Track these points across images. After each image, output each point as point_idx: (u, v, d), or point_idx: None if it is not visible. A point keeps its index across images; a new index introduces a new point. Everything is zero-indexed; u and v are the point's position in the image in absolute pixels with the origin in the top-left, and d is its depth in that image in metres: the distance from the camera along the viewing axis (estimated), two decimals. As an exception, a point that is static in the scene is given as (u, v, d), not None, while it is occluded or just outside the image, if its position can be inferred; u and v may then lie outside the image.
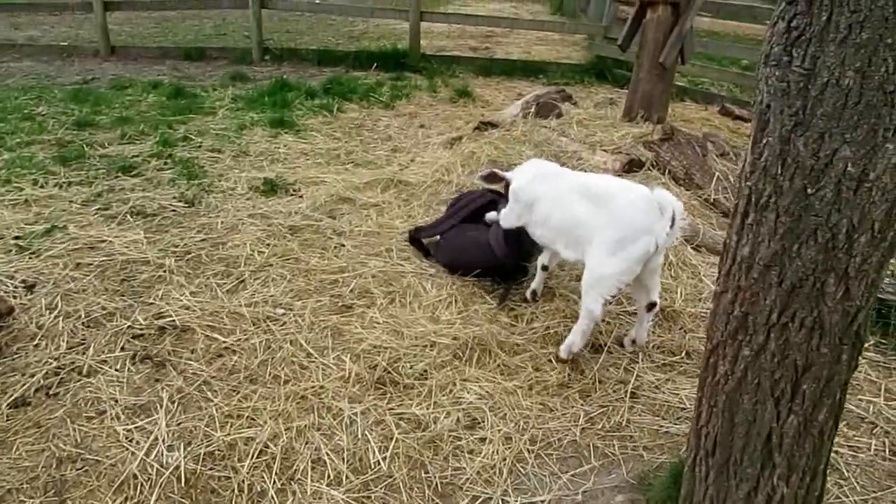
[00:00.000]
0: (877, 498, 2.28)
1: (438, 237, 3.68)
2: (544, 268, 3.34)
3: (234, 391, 2.60)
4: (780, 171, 1.38)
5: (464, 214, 3.65)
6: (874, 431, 2.60)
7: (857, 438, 2.54)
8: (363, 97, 6.99)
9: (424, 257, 3.70)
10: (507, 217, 3.29)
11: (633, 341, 3.02)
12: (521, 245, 3.39)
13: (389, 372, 2.75)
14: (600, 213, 2.80)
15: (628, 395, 2.74)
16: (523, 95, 6.67)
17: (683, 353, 3.01)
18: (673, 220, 2.65)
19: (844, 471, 2.38)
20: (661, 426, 2.60)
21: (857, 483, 2.33)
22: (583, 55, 9.65)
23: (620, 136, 4.93)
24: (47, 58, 8.97)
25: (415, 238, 3.77)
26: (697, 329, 3.17)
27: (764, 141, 1.41)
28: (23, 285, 3.20)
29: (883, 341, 3.11)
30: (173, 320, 2.98)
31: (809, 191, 1.35)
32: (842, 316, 1.43)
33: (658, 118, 5.27)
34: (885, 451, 2.49)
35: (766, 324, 1.52)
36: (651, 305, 2.91)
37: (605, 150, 4.75)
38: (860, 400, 2.74)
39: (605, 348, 3.00)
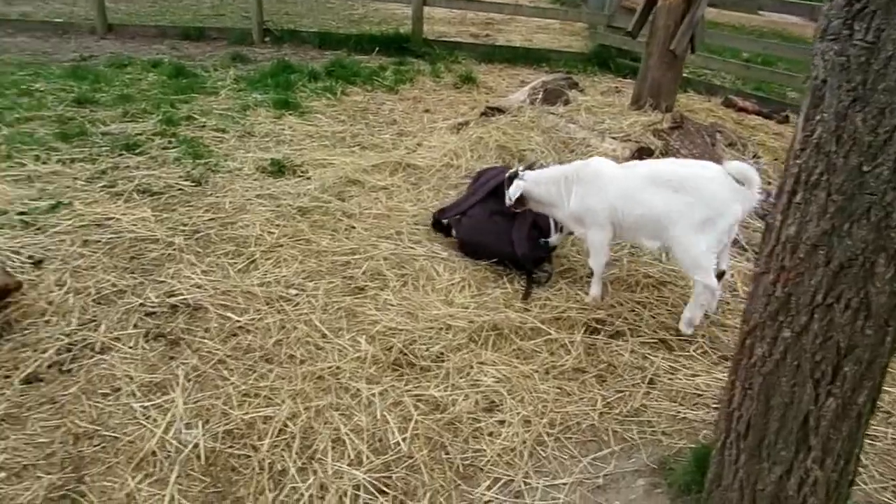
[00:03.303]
0: (896, 485, 2.29)
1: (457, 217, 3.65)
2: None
3: (251, 370, 2.57)
4: (834, 148, 1.36)
5: (486, 190, 3.62)
6: (890, 420, 2.61)
7: (874, 427, 2.55)
8: (366, 80, 6.92)
9: (447, 237, 3.68)
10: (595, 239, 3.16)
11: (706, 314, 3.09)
12: (540, 247, 3.45)
13: (405, 354, 2.73)
14: (681, 198, 2.85)
15: (646, 381, 2.73)
16: (527, 82, 6.63)
17: (700, 340, 3.01)
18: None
19: (863, 459, 2.38)
20: (679, 412, 2.60)
21: (876, 471, 2.34)
22: (584, 44, 9.61)
23: (629, 124, 4.91)
24: (42, 34, 8.79)
25: (438, 221, 3.74)
26: (712, 317, 3.17)
27: (818, 117, 1.39)
28: (30, 261, 3.14)
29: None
30: (185, 298, 2.94)
31: (865, 168, 1.33)
32: (889, 297, 1.42)
33: (667, 106, 5.25)
34: (901, 438, 2.50)
35: (810, 304, 1.51)
36: (720, 274, 2.99)
37: (614, 138, 4.73)
38: (875, 388, 2.75)
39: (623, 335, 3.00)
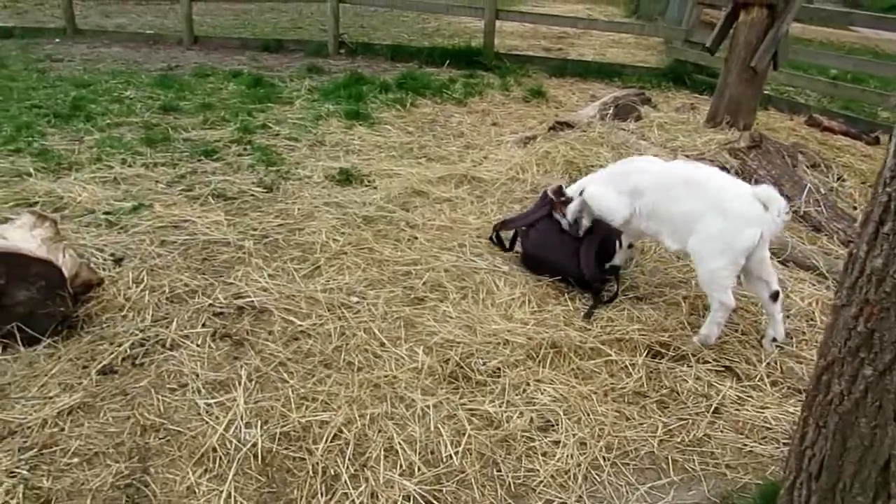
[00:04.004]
0: None
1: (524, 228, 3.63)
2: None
3: (310, 374, 2.62)
4: (930, 176, 1.26)
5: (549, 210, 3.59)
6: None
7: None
8: (436, 93, 7.00)
9: (504, 251, 3.67)
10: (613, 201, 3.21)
11: (774, 339, 2.99)
12: (606, 267, 3.43)
13: (462, 367, 2.72)
14: (703, 205, 2.88)
15: (710, 410, 2.61)
16: (597, 97, 6.53)
17: (769, 371, 2.86)
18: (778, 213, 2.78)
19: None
20: (745, 445, 2.47)
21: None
22: (659, 59, 9.40)
23: (704, 142, 4.76)
24: (134, 45, 9.38)
25: (497, 234, 3.73)
26: (784, 346, 3.01)
27: (912, 142, 1.29)
28: (112, 258, 3.32)
29: None
30: (252, 301, 3.03)
31: (964, 199, 1.23)
32: None
33: (745, 125, 5.05)
34: None
35: (897, 342, 1.40)
36: (775, 295, 2.93)
37: (686, 156, 4.59)
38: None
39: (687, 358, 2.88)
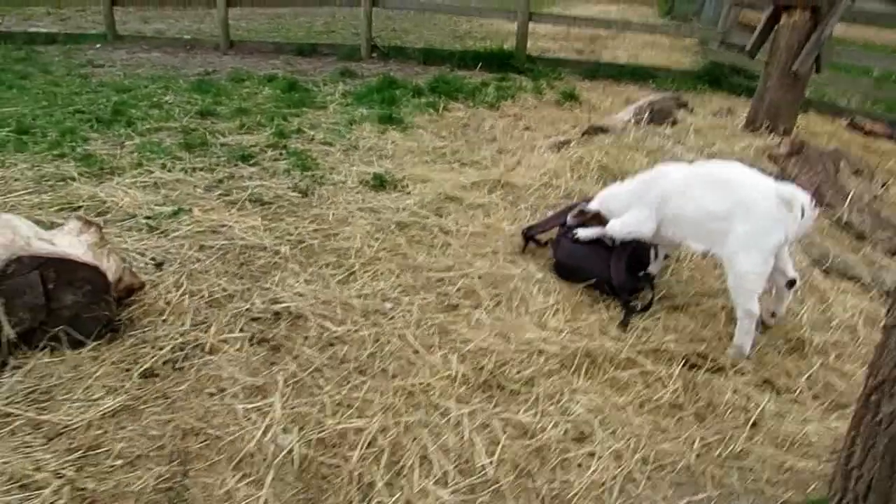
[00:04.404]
0: None
1: (556, 233, 3.64)
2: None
3: (345, 381, 2.64)
4: None
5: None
6: None
7: None
8: (468, 96, 7.01)
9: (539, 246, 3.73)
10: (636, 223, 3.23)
11: (773, 314, 3.03)
12: (638, 276, 3.40)
13: (496, 375, 2.72)
14: (728, 205, 2.87)
15: (749, 424, 2.56)
16: (632, 101, 6.46)
17: (810, 384, 2.80)
18: (803, 211, 2.76)
19: None
20: (786, 460, 2.42)
21: None
22: (694, 61, 9.28)
23: (742, 148, 4.67)
24: (172, 50, 9.58)
25: (529, 237, 3.74)
26: (826, 359, 2.94)
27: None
28: (153, 262, 3.39)
29: None
30: (288, 306, 3.07)
31: None
32: None
33: (785, 130, 4.95)
34: None
35: (952, 364, 1.36)
36: (791, 283, 2.95)
37: (718, 161, 4.50)
38: None
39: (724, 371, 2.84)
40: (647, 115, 5.36)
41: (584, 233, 3.44)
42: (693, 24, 10.22)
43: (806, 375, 2.82)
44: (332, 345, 2.86)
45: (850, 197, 4.03)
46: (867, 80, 7.57)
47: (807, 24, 4.67)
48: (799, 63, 4.71)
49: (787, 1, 4.76)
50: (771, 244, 2.79)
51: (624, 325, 3.12)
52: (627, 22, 10.14)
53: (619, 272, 3.30)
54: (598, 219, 3.43)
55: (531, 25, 8.94)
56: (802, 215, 2.76)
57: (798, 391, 2.75)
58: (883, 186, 4.43)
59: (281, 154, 5.05)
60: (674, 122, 5.29)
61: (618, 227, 3.29)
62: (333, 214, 4.05)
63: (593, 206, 3.47)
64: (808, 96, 7.23)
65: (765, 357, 2.94)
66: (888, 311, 1.53)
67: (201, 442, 2.31)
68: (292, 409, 2.47)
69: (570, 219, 3.54)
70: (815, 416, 2.63)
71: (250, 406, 2.47)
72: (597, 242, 3.42)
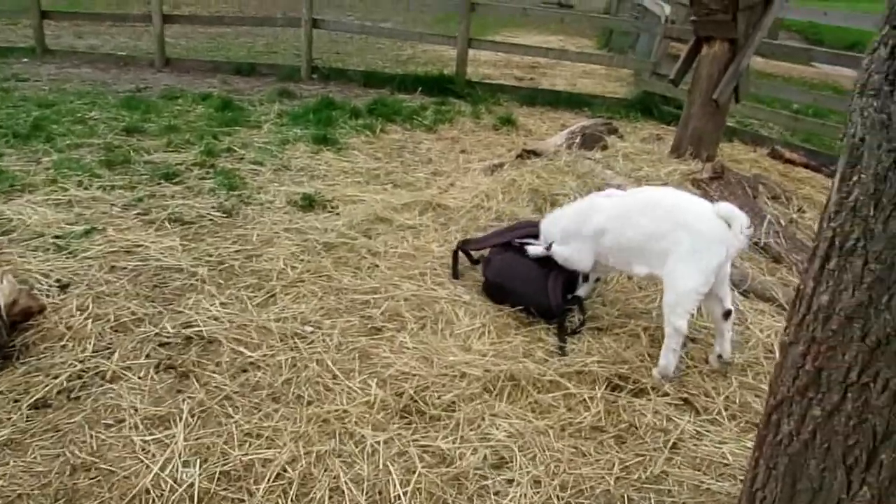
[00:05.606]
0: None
1: (488, 252, 3.63)
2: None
3: (256, 409, 2.51)
4: (872, 213, 1.24)
5: (518, 235, 3.56)
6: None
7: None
8: (406, 119, 6.99)
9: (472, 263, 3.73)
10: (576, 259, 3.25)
11: (720, 356, 2.98)
12: (569, 298, 3.39)
13: (416, 401, 2.64)
14: (668, 227, 2.88)
15: (668, 446, 2.56)
16: (567, 126, 6.57)
17: (728, 404, 2.82)
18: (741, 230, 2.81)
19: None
20: (703, 482, 2.41)
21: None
22: (628, 90, 9.54)
23: (667, 173, 4.79)
24: (104, 65, 9.26)
25: (463, 250, 3.72)
26: (744, 379, 2.98)
27: (854, 178, 1.27)
28: (57, 284, 3.19)
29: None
30: (201, 330, 2.93)
31: (906, 236, 1.21)
32: (932, 380, 1.28)
33: (708, 156, 5.11)
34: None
35: (843, 382, 1.37)
36: (727, 313, 2.93)
37: (650, 186, 4.60)
38: None
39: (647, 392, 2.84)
40: (578, 139, 5.46)
41: (533, 250, 3.42)
42: (627, 55, 10.57)
43: (724, 395, 2.85)
44: (245, 371, 2.73)
45: (767, 221, 4.17)
46: (787, 112, 7.95)
47: (726, 55, 4.88)
48: (719, 92, 4.90)
49: (707, 32, 4.97)
50: (713, 263, 2.81)
51: (561, 350, 3.08)
52: (565, 51, 10.41)
53: (556, 294, 3.28)
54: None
55: (472, 52, 9.05)
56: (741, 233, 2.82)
57: (716, 411, 2.76)
58: (798, 211, 4.62)
59: (208, 173, 4.89)
60: (604, 147, 5.40)
61: (562, 258, 3.31)
62: (258, 235, 3.92)
63: (542, 227, 3.47)
64: (733, 126, 7.55)
65: (685, 377, 2.96)
66: (785, 328, 1.54)
67: (92, 478, 2.14)
68: (196, 440, 2.33)
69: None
70: (732, 436, 2.64)
71: (150, 438, 2.31)
72: (530, 262, 3.40)
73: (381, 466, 2.29)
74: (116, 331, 2.90)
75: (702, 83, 5.06)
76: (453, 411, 2.60)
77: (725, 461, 2.51)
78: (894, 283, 1.25)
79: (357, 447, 2.37)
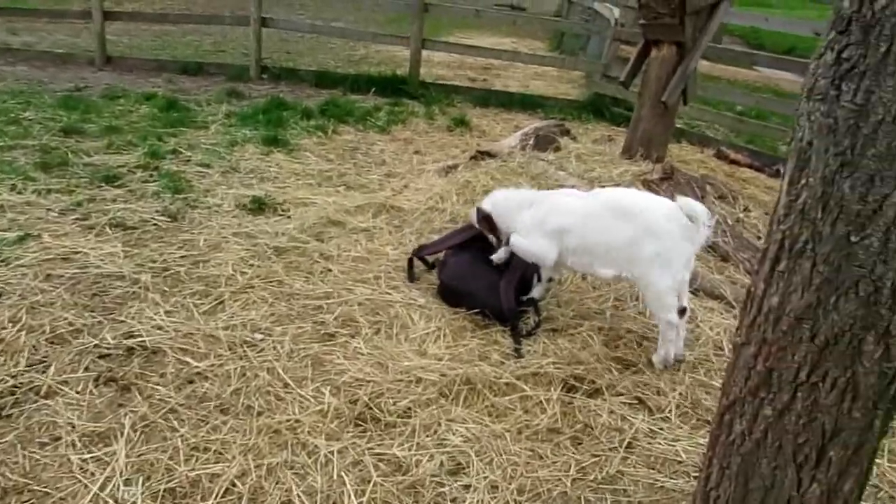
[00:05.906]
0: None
1: (442, 255, 3.61)
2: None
3: (203, 421, 2.41)
4: (820, 216, 1.25)
5: (471, 235, 3.54)
6: (879, 496, 2.46)
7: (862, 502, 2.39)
8: (359, 120, 6.91)
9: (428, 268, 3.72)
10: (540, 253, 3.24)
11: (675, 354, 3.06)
12: (524, 302, 3.40)
13: (371, 408, 2.58)
14: (633, 228, 2.93)
15: (623, 445, 2.58)
16: (521, 128, 6.60)
17: (679, 402, 2.86)
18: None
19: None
20: (657, 480, 2.44)
21: (867, 554, 2.18)
22: (580, 92, 9.67)
23: (619, 174, 4.85)
24: (41, 63, 8.84)
25: (419, 257, 3.68)
26: (695, 376, 3.03)
27: (802, 181, 1.29)
28: (-14, 295, 3.00)
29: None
30: (144, 341, 2.80)
31: (853, 238, 1.22)
32: (878, 378, 1.30)
33: (657, 157, 5.20)
34: (894, 518, 2.34)
35: (793, 382, 1.38)
36: (682, 311, 3.00)
37: (603, 187, 4.65)
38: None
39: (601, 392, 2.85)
40: (532, 141, 5.48)
41: (497, 256, 3.41)
42: (579, 58, 10.71)
43: (677, 392, 2.89)
44: (191, 382, 2.62)
45: (714, 220, 4.26)
46: (731, 114, 8.20)
47: (674, 58, 4.97)
48: (667, 94, 5.00)
49: (656, 36, 5.06)
50: (683, 258, 2.93)
51: (517, 352, 3.07)
52: (517, 53, 10.48)
53: (509, 297, 3.27)
54: (489, 221, 3.41)
55: (426, 53, 9.01)
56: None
57: (668, 409, 2.80)
58: (744, 211, 4.74)
59: (151, 175, 4.71)
60: (557, 149, 5.44)
61: (521, 249, 3.28)
62: (205, 240, 3.79)
63: (486, 206, 3.44)
64: (681, 127, 7.73)
65: (637, 375, 2.98)
66: (737, 329, 1.55)
67: (24, 501, 2.02)
68: (139, 456, 2.22)
69: (476, 220, 3.50)
70: (685, 433, 2.68)
71: (88, 456, 2.19)
72: (484, 265, 3.39)
73: (335, 477, 2.23)
74: (52, 343, 2.74)
75: (651, 85, 5.15)
76: (409, 417, 2.56)
77: (679, 458, 2.54)
78: (842, 284, 1.27)
79: (310, 458, 2.30)
